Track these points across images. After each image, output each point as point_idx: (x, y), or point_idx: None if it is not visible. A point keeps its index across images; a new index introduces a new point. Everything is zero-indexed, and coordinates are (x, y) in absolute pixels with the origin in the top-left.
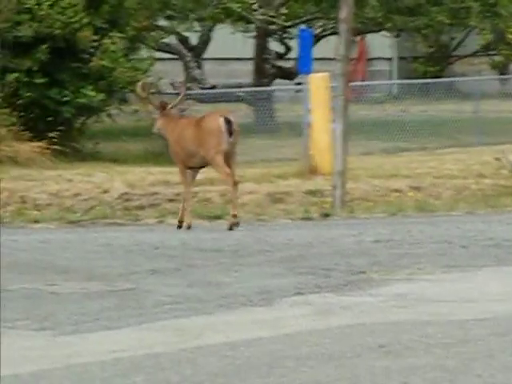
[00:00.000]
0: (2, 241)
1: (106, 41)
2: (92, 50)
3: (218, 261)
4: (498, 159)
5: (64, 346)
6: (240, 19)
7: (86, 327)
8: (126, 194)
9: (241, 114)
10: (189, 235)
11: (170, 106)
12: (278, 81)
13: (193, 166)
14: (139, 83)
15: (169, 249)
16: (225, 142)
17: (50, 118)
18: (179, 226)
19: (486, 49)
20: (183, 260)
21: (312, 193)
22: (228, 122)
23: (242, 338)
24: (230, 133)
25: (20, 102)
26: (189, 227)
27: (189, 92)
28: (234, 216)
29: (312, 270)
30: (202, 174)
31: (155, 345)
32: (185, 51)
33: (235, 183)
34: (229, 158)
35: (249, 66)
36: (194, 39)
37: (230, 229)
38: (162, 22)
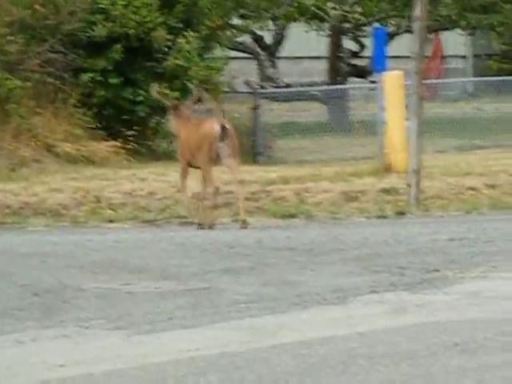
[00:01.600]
0: (76, 240)
1: (180, 40)
2: (166, 50)
3: (292, 259)
4: None
5: (139, 346)
6: (314, 17)
7: (161, 326)
8: (199, 193)
9: (315, 112)
10: (263, 234)
11: (182, 106)
12: (351, 79)
13: (196, 166)
14: (153, 85)
15: (243, 247)
16: (216, 148)
17: (124, 118)
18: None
19: None
20: (258, 259)
21: (386, 191)
22: (223, 128)
23: (316, 337)
24: (224, 138)
25: (95, 101)
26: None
27: (263, 91)
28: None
29: (386, 269)
30: (275, 173)
31: (230, 344)
32: (259, 50)
33: (239, 182)
34: (226, 160)
35: (323, 65)
36: (268, 38)
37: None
38: (236, 21)
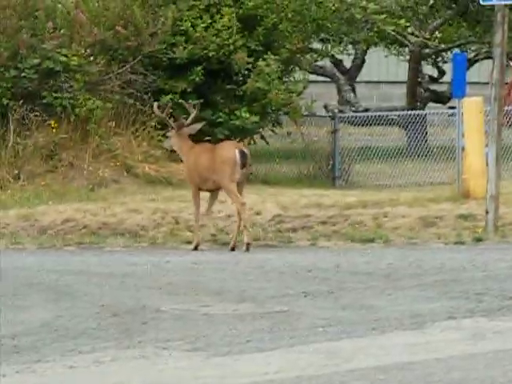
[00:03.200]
0: (155, 261)
1: (261, 63)
2: (246, 72)
3: (370, 284)
4: None
5: (216, 368)
6: (394, 42)
7: (238, 349)
8: (278, 216)
9: (393, 137)
10: (341, 258)
11: (185, 125)
12: (430, 104)
13: (206, 189)
14: (155, 103)
15: (321, 271)
16: (238, 172)
17: (203, 139)
18: (232, 249)
19: None
20: (336, 283)
21: (464, 217)
22: (242, 154)
23: (393, 362)
24: (243, 165)
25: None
26: (196, 247)
27: (342, 115)
28: (248, 245)
29: (464, 295)
30: (353, 197)
31: (307, 367)
32: (338, 74)
33: (242, 204)
34: (239, 185)
35: (402, 90)
36: (347, 62)
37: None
38: (316, 45)
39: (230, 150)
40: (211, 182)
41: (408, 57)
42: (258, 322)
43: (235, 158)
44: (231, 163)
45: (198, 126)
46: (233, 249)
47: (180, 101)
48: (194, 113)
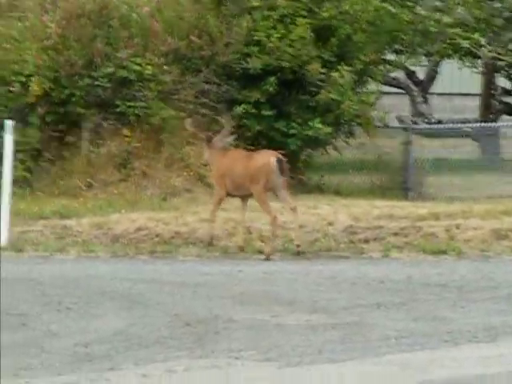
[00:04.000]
0: (227, 271)
1: (334, 74)
2: (320, 83)
3: (442, 296)
4: None
5: (289, 378)
6: (467, 54)
7: (310, 359)
8: (350, 226)
9: (466, 149)
10: (413, 269)
11: (215, 138)
12: (504, 117)
13: (235, 195)
14: (188, 120)
15: (394, 283)
16: (273, 180)
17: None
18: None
19: None
20: (408, 294)
21: None
22: (279, 161)
23: (466, 374)
24: (281, 171)
25: (248, 133)
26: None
27: (415, 127)
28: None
29: None
30: (425, 209)
31: (380, 380)
32: (411, 85)
33: (292, 209)
34: (280, 191)
35: (475, 102)
36: (420, 74)
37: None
38: (390, 56)
39: (267, 158)
40: (243, 188)
41: (482, 69)
42: (329, 332)
43: (272, 166)
44: (267, 171)
45: (229, 138)
46: (267, 258)
47: (252, 111)
48: (228, 126)
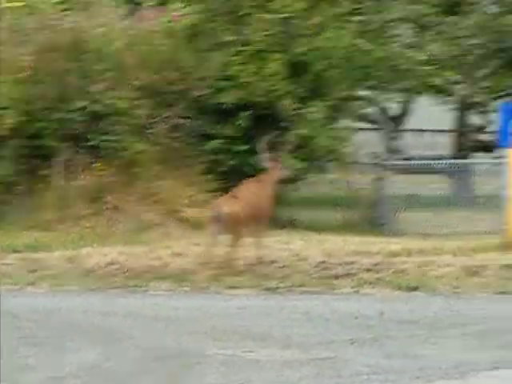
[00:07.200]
0: (199, 306)
1: (307, 109)
2: (293, 119)
3: (414, 332)
4: None
5: None
6: (440, 91)
7: None
8: (323, 262)
9: (438, 185)
10: (385, 305)
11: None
12: (476, 153)
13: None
14: (265, 137)
15: (366, 319)
16: None
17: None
18: None
19: None
20: (380, 330)
21: (509, 267)
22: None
23: None
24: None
25: (221, 168)
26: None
27: (387, 163)
28: None
29: (509, 345)
30: (398, 245)
31: None
32: (384, 122)
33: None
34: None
35: (447, 138)
36: (393, 110)
37: None
38: (363, 92)
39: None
40: None
41: (454, 106)
42: (304, 368)
43: None
44: None
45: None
46: None
47: (226, 146)
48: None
